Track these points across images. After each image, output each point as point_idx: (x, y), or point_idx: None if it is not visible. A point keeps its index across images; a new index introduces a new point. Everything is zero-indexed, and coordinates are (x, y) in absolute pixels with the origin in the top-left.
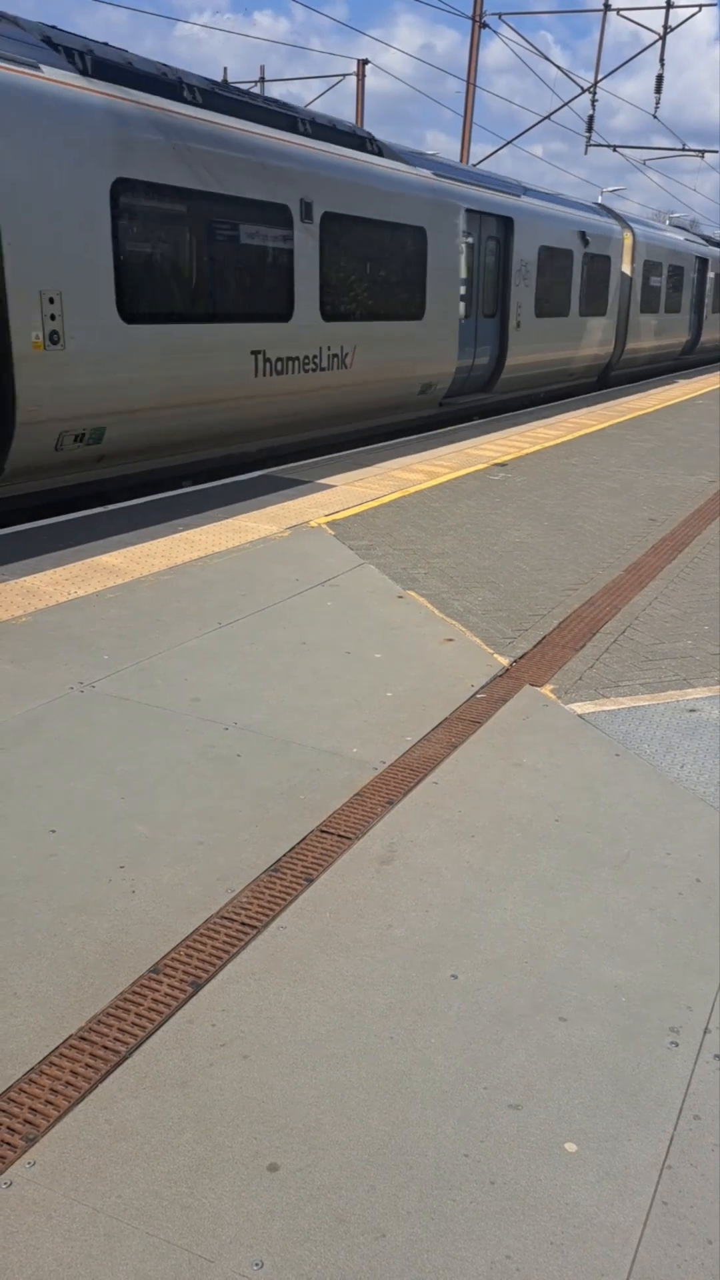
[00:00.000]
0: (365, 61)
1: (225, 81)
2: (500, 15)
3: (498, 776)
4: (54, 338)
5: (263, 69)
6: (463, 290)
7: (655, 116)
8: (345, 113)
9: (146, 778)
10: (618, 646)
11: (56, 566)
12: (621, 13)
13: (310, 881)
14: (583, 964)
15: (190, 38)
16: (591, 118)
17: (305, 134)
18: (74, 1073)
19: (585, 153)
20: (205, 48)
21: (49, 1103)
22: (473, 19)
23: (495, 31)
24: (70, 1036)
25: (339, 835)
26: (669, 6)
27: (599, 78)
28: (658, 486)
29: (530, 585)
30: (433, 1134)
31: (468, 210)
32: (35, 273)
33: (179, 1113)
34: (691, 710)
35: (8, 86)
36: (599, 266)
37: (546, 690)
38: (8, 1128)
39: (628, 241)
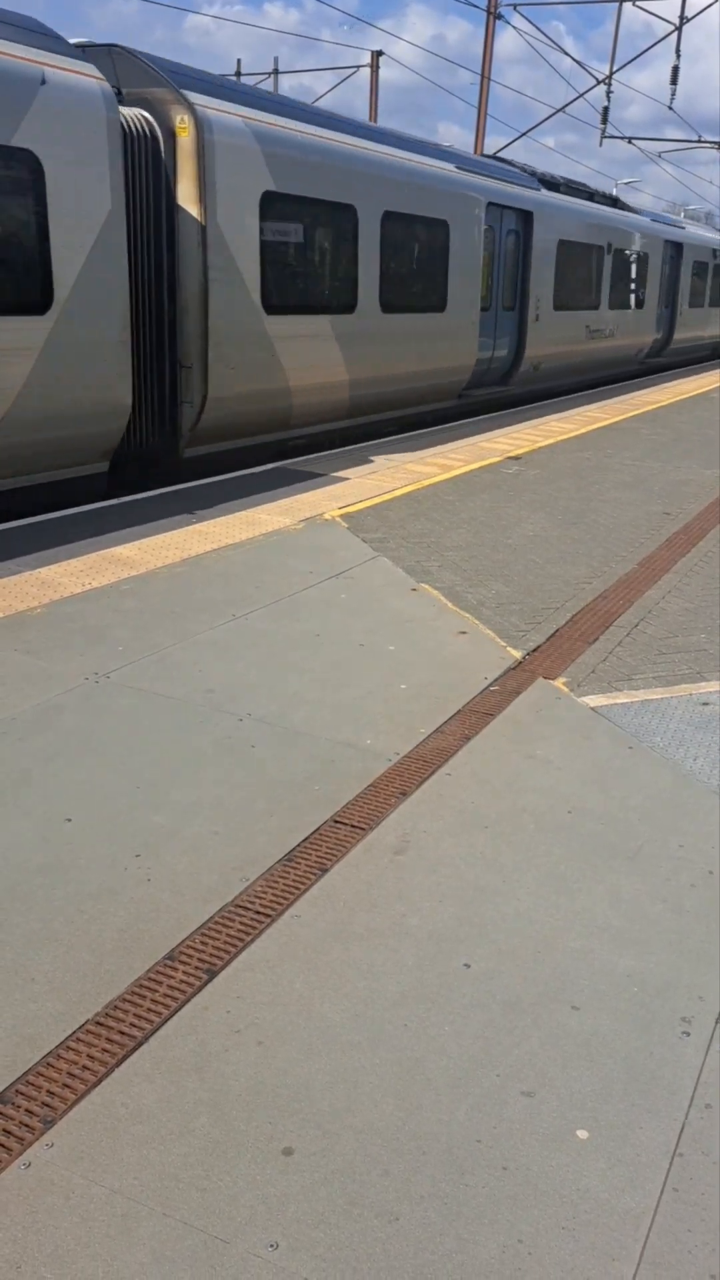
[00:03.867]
0: (379, 53)
1: (238, 74)
2: (515, 6)
3: (511, 768)
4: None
5: (276, 61)
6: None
7: (670, 108)
8: (358, 105)
9: (161, 768)
10: (631, 640)
11: (71, 558)
12: (637, 3)
13: (324, 871)
14: (595, 954)
15: (200, 29)
16: (606, 109)
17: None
18: (91, 1057)
19: (600, 144)
20: (215, 39)
21: (66, 1086)
22: (488, 10)
23: (508, 22)
24: (87, 1021)
25: (352, 826)
26: None
27: (614, 69)
28: (671, 480)
29: (543, 578)
30: (445, 1120)
31: (490, 204)
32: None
33: (194, 1097)
34: (704, 704)
35: (535, 200)
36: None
37: (559, 683)
38: (26, 1110)
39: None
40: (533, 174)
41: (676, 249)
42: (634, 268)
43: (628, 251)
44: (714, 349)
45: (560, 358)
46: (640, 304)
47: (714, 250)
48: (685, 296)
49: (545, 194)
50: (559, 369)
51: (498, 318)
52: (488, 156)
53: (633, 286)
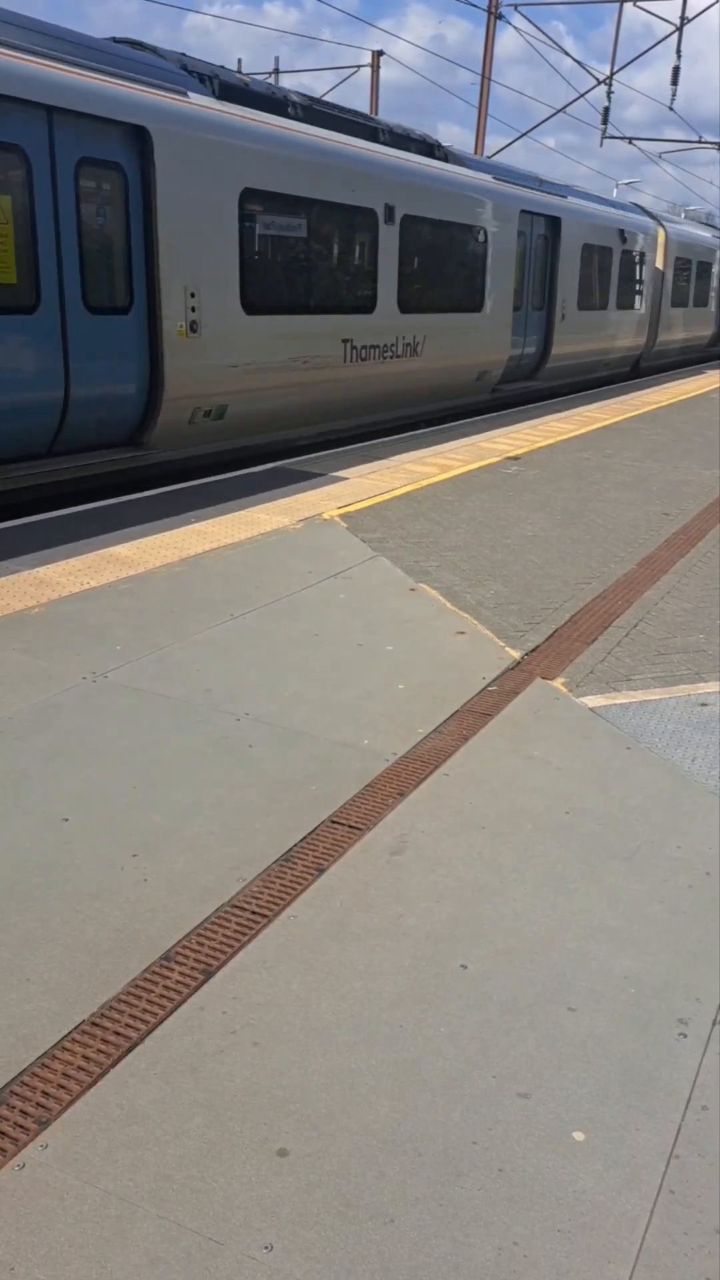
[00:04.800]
0: (380, 53)
1: (240, 72)
2: (516, 6)
3: (509, 768)
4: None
5: (277, 60)
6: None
7: (671, 109)
8: (358, 104)
9: (159, 767)
10: (630, 640)
11: (69, 558)
12: (638, 3)
13: (321, 871)
14: (592, 955)
15: (199, 28)
16: (607, 110)
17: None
18: (86, 1058)
19: (600, 145)
20: (215, 38)
21: (61, 1087)
22: (488, 11)
23: (509, 22)
24: (83, 1022)
25: (350, 826)
26: None
27: (615, 69)
28: (671, 480)
29: (542, 579)
30: (441, 1122)
31: (522, 211)
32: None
33: (190, 1098)
34: (703, 704)
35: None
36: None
37: (558, 683)
38: (21, 1111)
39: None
40: (199, 73)
41: (550, 226)
42: (462, 249)
43: (442, 222)
44: (635, 365)
45: (281, 393)
46: (480, 304)
47: (620, 231)
48: (571, 294)
49: (200, 101)
50: (280, 409)
51: (67, 327)
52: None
53: (459, 277)
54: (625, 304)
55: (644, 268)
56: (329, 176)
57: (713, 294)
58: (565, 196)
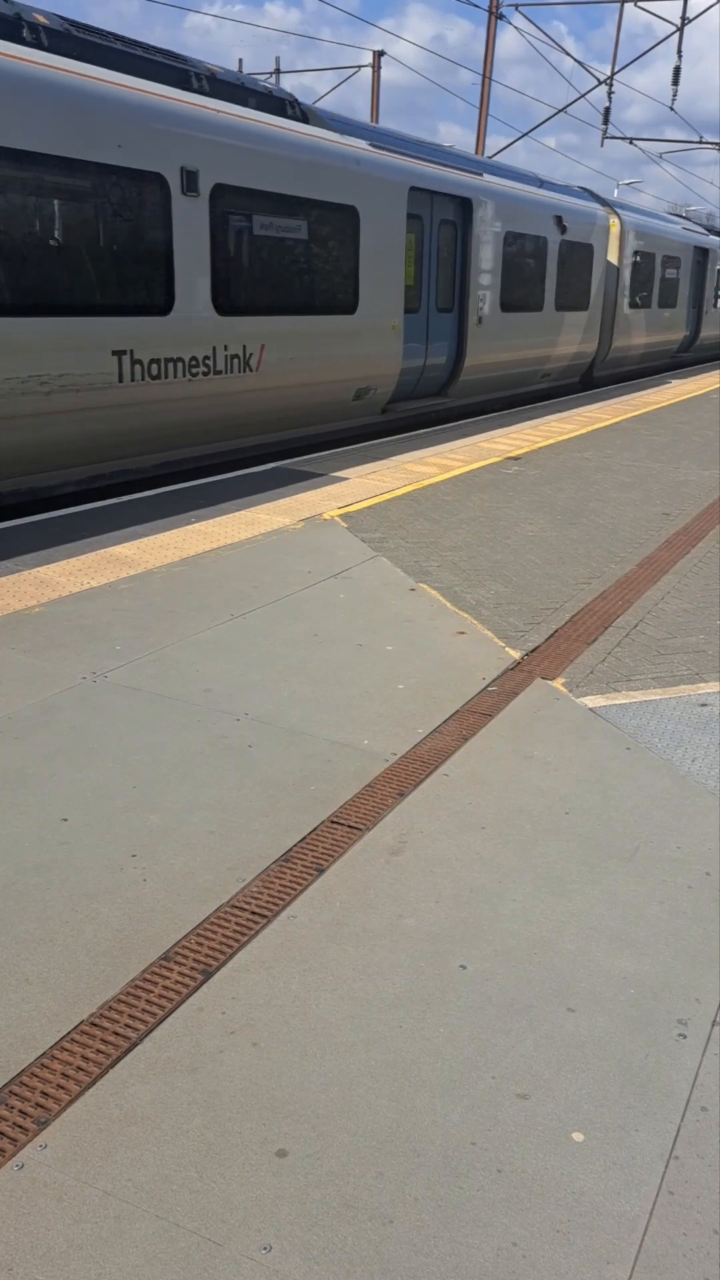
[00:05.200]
0: (381, 53)
1: (239, 72)
2: (516, 6)
3: (508, 769)
4: None
5: (278, 60)
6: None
7: (672, 109)
8: (359, 105)
9: (158, 767)
10: (630, 640)
11: (69, 557)
12: (639, 4)
13: (321, 872)
14: (592, 955)
15: (200, 28)
16: (608, 110)
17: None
18: (85, 1058)
19: (601, 145)
20: (216, 39)
21: (60, 1087)
22: (489, 11)
23: (510, 22)
24: (82, 1022)
25: (350, 826)
26: None
27: (616, 69)
28: (671, 481)
29: (542, 579)
30: (440, 1122)
31: (413, 189)
32: None
33: (189, 1098)
34: (703, 705)
35: None
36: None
37: (558, 684)
38: (20, 1111)
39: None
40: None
41: (460, 209)
42: (320, 233)
43: (284, 197)
44: (586, 375)
45: (7, 427)
46: (352, 305)
47: (558, 219)
48: (490, 292)
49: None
50: (13, 449)
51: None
52: None
53: (316, 270)
54: (567, 304)
55: (592, 262)
56: (75, 126)
57: (684, 293)
58: (480, 174)
